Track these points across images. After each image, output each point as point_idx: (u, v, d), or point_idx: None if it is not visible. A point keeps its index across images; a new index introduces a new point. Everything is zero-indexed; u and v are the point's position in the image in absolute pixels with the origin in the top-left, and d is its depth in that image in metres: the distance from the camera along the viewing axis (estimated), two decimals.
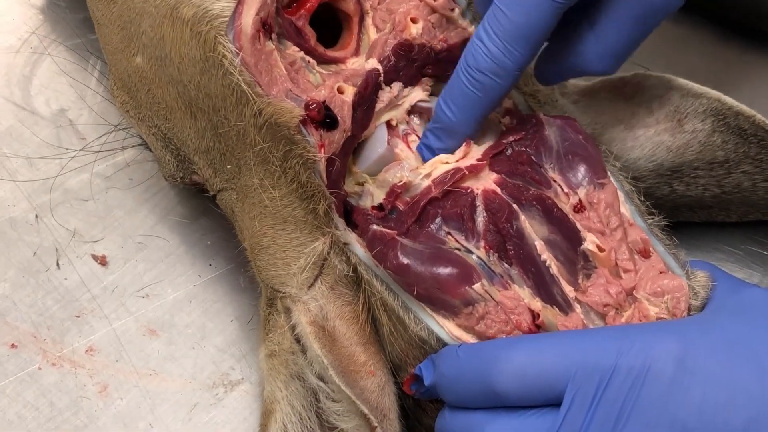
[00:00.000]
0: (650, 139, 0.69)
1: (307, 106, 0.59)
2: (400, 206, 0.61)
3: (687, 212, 0.72)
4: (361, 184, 0.63)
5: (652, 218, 0.61)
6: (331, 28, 0.66)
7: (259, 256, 0.64)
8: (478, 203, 0.59)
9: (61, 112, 0.83)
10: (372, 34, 0.65)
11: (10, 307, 0.73)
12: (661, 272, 0.58)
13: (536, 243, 0.58)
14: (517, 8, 0.57)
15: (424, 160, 0.63)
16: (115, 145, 0.80)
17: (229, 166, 0.64)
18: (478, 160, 0.61)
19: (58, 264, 0.76)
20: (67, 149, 0.81)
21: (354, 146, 0.63)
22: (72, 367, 0.71)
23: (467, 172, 0.60)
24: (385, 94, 0.63)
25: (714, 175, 0.69)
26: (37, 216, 0.78)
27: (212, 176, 0.66)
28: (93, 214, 0.78)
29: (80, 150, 0.80)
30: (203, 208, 0.77)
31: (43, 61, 0.87)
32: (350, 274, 0.61)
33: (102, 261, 0.76)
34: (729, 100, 0.67)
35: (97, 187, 0.79)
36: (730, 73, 0.84)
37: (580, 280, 0.58)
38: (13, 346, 0.72)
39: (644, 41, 0.61)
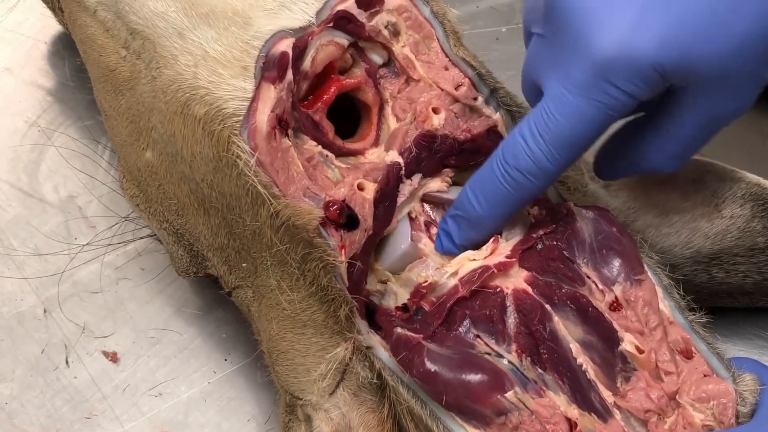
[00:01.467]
0: (686, 225, 0.66)
1: (326, 207, 0.57)
2: (426, 307, 0.59)
3: (726, 298, 0.69)
4: (384, 282, 0.61)
5: (693, 314, 0.58)
6: (348, 117, 0.64)
7: (278, 362, 0.62)
8: (508, 304, 0.57)
9: (70, 199, 0.82)
10: (392, 123, 0.63)
11: (17, 409, 0.71)
12: (705, 375, 0.56)
13: (571, 345, 0.56)
14: (569, 114, 0.54)
15: (442, 247, 0.61)
16: (126, 237, 0.78)
17: (244, 265, 0.62)
18: (507, 257, 0.59)
19: (67, 362, 0.74)
20: (75, 239, 0.79)
21: (375, 244, 0.61)
22: None
23: (496, 271, 0.58)
24: (406, 187, 0.62)
25: (755, 261, 0.66)
26: (45, 310, 0.76)
27: (227, 273, 0.64)
28: (103, 307, 0.76)
29: (87, 244, 0.78)
30: (218, 299, 0.75)
31: (50, 145, 0.85)
32: (374, 380, 0.59)
33: (113, 358, 0.74)
34: None
35: (107, 279, 0.77)
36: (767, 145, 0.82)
37: (618, 384, 0.56)
38: None
39: None
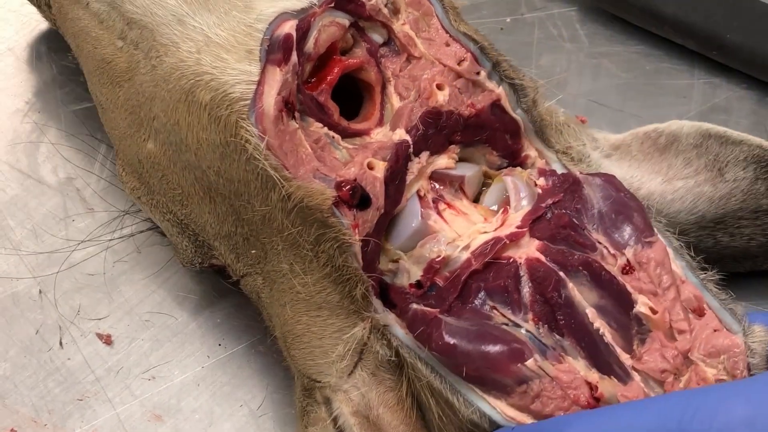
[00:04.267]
0: (690, 191, 0.70)
1: (338, 186, 0.59)
2: (440, 282, 0.62)
3: (731, 263, 0.73)
4: (396, 261, 0.64)
5: (705, 273, 0.62)
6: (350, 98, 0.67)
7: (293, 345, 0.64)
8: (522, 273, 0.60)
9: (69, 181, 0.85)
10: (395, 102, 0.65)
11: (10, 390, 0.74)
12: (715, 330, 0.59)
13: (587, 311, 0.59)
14: None
15: None
16: (125, 228, 0.82)
17: (253, 251, 0.64)
18: (518, 227, 0.62)
19: (61, 343, 0.76)
20: (73, 220, 0.82)
21: (387, 222, 0.64)
22: None
23: (508, 241, 0.61)
24: (415, 165, 0.64)
25: (759, 224, 0.70)
26: (41, 291, 0.79)
27: (234, 261, 0.67)
28: (99, 289, 0.79)
29: (87, 240, 0.81)
30: (215, 285, 0.78)
31: (50, 127, 0.89)
32: (392, 358, 0.61)
33: (107, 340, 0.76)
34: None
35: (104, 261, 0.80)
36: None
37: (635, 347, 0.59)
38: (12, 431, 0.72)
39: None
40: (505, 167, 0.69)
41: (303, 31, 0.61)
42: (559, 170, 0.67)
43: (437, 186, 0.66)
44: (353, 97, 0.67)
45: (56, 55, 0.95)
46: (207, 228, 0.67)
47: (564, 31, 0.95)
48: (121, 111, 0.68)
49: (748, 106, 0.87)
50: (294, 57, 0.60)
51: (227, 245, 0.66)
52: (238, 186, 0.61)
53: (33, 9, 0.94)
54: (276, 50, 0.59)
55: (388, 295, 0.63)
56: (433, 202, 0.66)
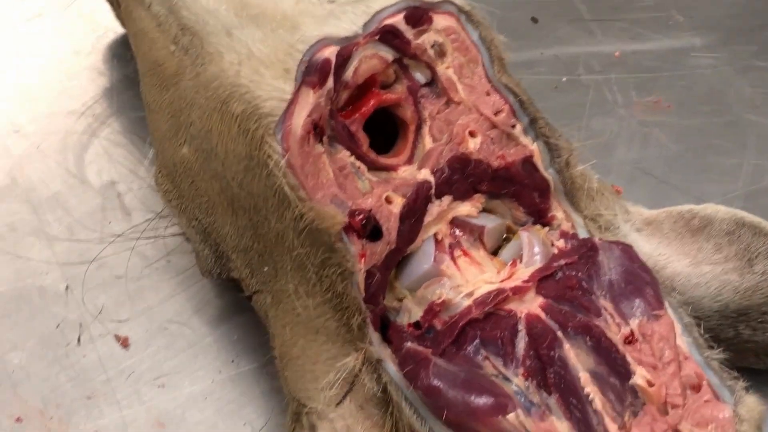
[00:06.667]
0: (717, 278, 0.72)
1: (351, 214, 0.63)
2: (438, 325, 0.65)
3: (752, 358, 0.74)
4: (401, 300, 0.68)
5: (711, 351, 0.64)
6: (385, 132, 0.71)
7: (288, 367, 0.68)
8: (520, 327, 0.63)
9: (111, 185, 0.92)
10: (428, 143, 0.69)
11: (22, 379, 0.79)
12: (706, 401, 0.61)
13: (580, 374, 0.61)
14: None
15: None
16: (159, 231, 0.87)
17: (266, 269, 0.68)
18: (524, 281, 0.65)
19: (79, 340, 0.81)
20: (110, 223, 0.88)
21: (398, 260, 0.67)
22: None
23: (511, 294, 0.64)
24: (435, 208, 0.68)
25: None
26: (67, 287, 0.84)
27: (249, 276, 0.71)
28: (124, 293, 0.84)
29: (120, 235, 0.86)
30: (237, 303, 0.82)
31: (102, 130, 0.96)
32: (379, 394, 0.64)
33: (124, 343, 0.81)
34: None
35: (133, 266, 0.86)
36: None
37: (626, 418, 0.60)
38: (18, 419, 0.77)
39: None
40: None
41: (343, 59, 0.65)
42: (583, 236, 0.70)
43: (457, 232, 0.70)
44: (388, 132, 0.71)
45: (119, 63, 1.02)
46: (227, 239, 0.71)
47: (619, 97, 0.98)
48: (165, 113, 0.74)
49: None
50: (330, 82, 0.65)
51: (243, 259, 0.70)
52: (257, 200, 0.66)
53: (103, 15, 1.02)
54: (312, 73, 0.64)
55: (387, 332, 0.66)
56: (450, 247, 0.69)
